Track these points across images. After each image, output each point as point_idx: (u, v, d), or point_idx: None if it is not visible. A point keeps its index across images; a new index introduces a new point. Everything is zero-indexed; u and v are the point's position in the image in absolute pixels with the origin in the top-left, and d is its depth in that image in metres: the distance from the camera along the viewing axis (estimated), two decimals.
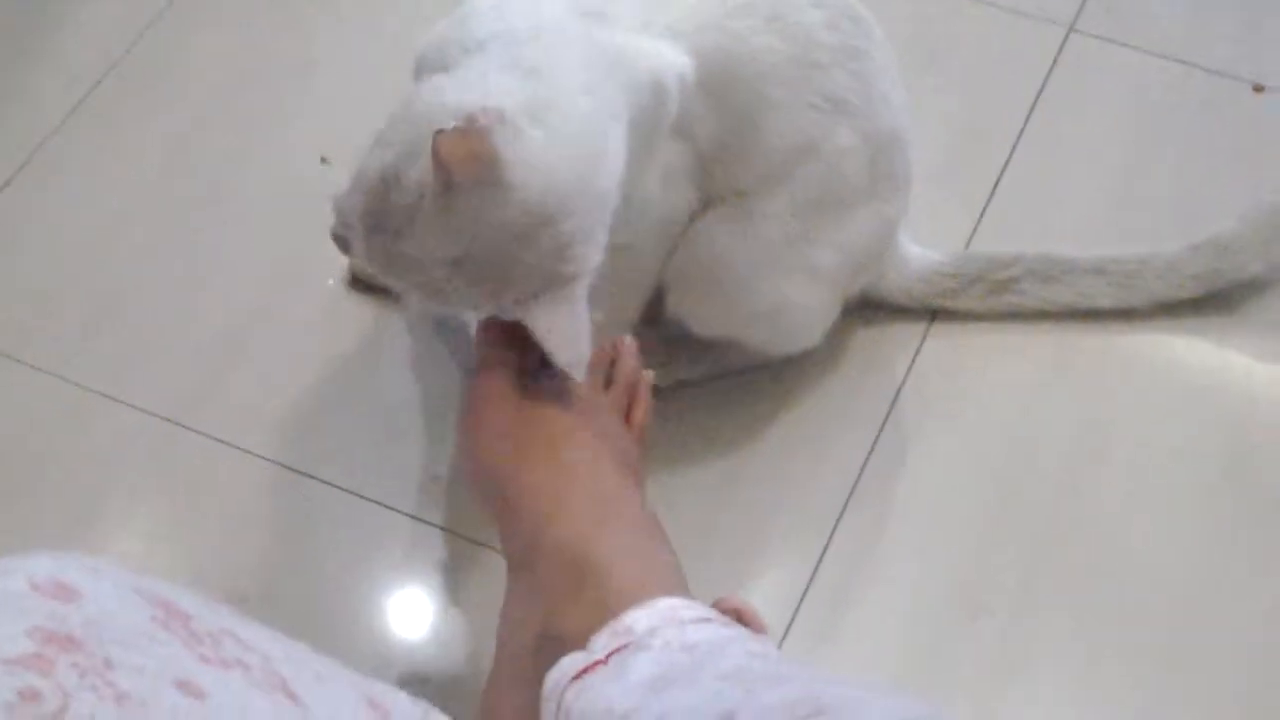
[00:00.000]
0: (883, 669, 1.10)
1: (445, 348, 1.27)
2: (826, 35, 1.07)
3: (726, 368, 1.23)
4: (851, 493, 1.19)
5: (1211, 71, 1.45)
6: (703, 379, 1.22)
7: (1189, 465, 1.21)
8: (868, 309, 1.26)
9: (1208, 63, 1.46)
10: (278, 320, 1.29)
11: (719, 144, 1.07)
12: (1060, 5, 1.50)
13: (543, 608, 0.91)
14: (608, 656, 0.84)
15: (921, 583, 1.15)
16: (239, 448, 1.21)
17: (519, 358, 0.98)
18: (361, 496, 1.19)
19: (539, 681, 0.86)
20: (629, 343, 1.05)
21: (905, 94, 1.14)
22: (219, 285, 1.31)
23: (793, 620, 1.12)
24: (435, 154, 0.86)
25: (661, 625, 0.84)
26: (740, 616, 0.91)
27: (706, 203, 1.11)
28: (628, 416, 1.04)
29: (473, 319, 1.22)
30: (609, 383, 1.04)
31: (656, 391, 1.06)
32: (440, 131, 0.86)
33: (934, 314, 1.28)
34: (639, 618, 0.85)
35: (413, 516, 1.18)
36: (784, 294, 1.15)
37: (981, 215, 1.34)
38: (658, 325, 1.16)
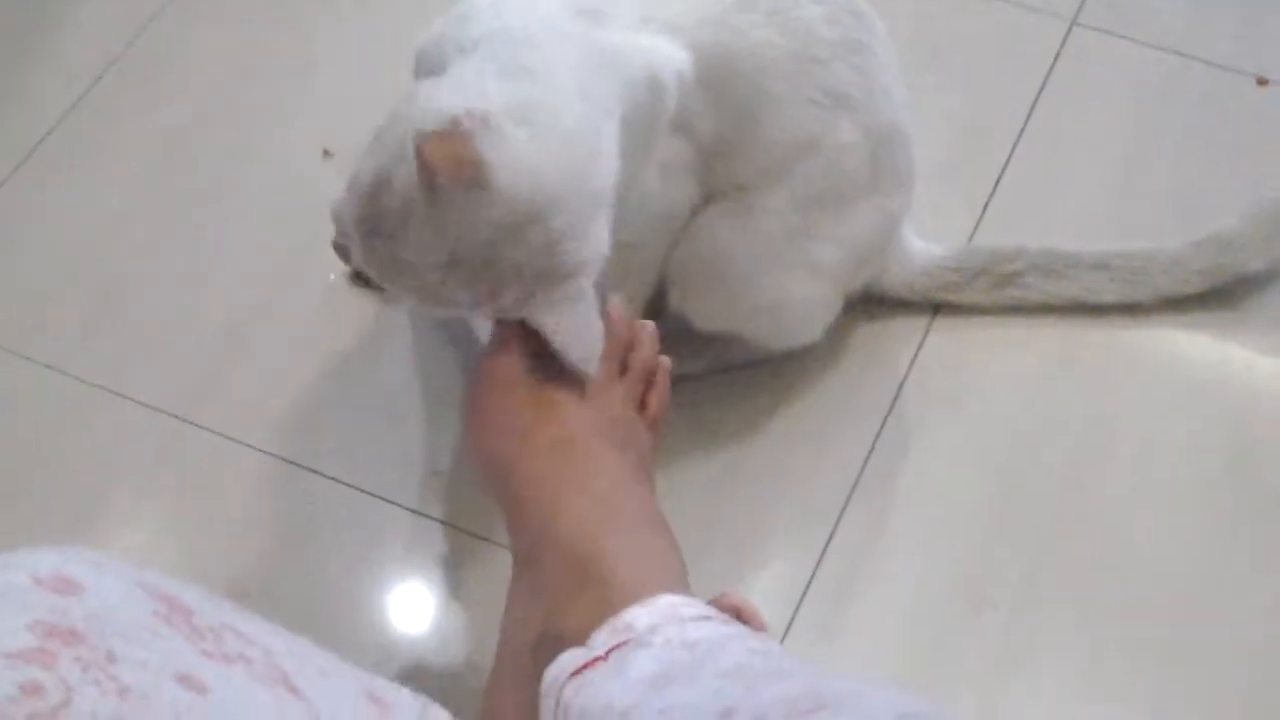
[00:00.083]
0: (885, 663, 1.10)
1: (446, 343, 1.27)
2: (827, 30, 1.07)
3: (729, 362, 1.23)
4: (854, 487, 1.19)
5: (1214, 65, 1.45)
6: (705, 373, 1.22)
7: (1192, 460, 1.21)
8: (870, 303, 1.26)
9: (1210, 57, 1.46)
10: (279, 315, 1.29)
11: (719, 139, 1.07)
12: None
13: (544, 605, 0.91)
14: (608, 653, 0.83)
15: (924, 577, 1.15)
16: (241, 442, 1.21)
17: (528, 344, 0.98)
18: (363, 491, 1.19)
19: (539, 678, 0.86)
20: (649, 329, 1.05)
21: (906, 88, 1.14)
22: (220, 280, 1.31)
23: (795, 614, 1.12)
24: (418, 158, 0.87)
25: (662, 623, 0.84)
26: (739, 614, 0.91)
27: (708, 198, 1.11)
28: (643, 404, 1.03)
29: (478, 324, 1.23)
30: (625, 369, 1.03)
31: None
32: (421, 134, 0.87)
33: (937, 308, 1.28)
34: (639, 615, 0.85)
35: (414, 511, 1.18)
36: (785, 289, 1.15)
37: (984, 210, 1.34)
38: (660, 320, 1.16)
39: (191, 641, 0.57)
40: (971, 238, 1.32)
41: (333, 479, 1.19)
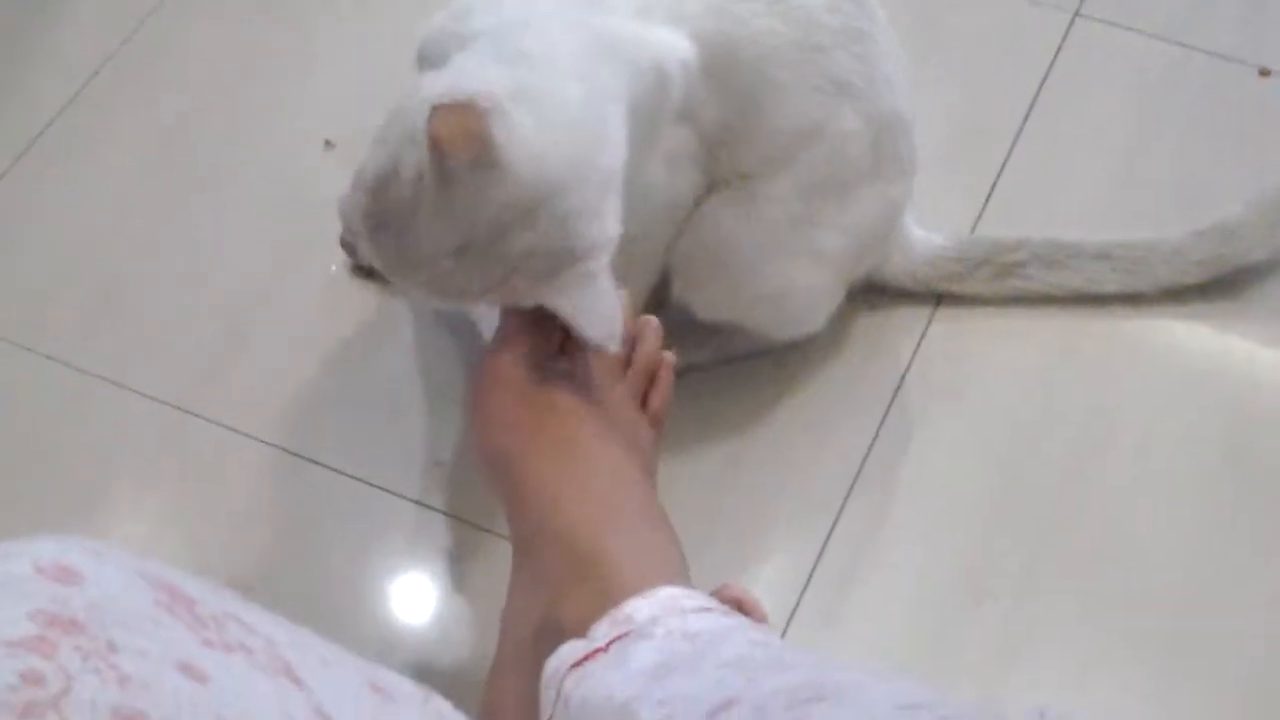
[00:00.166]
0: (887, 653, 1.10)
1: (448, 334, 1.27)
2: (829, 18, 1.07)
3: (731, 353, 1.23)
4: (856, 478, 1.19)
5: (1217, 56, 1.45)
6: (707, 364, 1.22)
7: (1192, 450, 1.21)
8: (872, 293, 1.26)
9: (1213, 47, 1.45)
10: (280, 306, 1.29)
11: (722, 127, 1.07)
12: None
13: (545, 596, 0.91)
14: (608, 644, 0.84)
15: (926, 567, 1.15)
16: (242, 433, 1.21)
17: (533, 341, 0.98)
18: (365, 482, 1.19)
19: (540, 669, 0.86)
20: (653, 323, 1.05)
21: (908, 76, 1.14)
22: (221, 272, 1.31)
23: (797, 604, 1.12)
24: (430, 132, 0.86)
25: (663, 614, 0.84)
26: (740, 605, 0.91)
27: (710, 187, 1.11)
28: (645, 399, 1.03)
29: (480, 317, 1.23)
30: (628, 364, 1.03)
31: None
32: (436, 107, 0.86)
33: (939, 299, 1.28)
34: (640, 606, 0.85)
35: (417, 502, 1.18)
36: (789, 277, 1.14)
37: (987, 200, 1.34)
38: (662, 311, 1.16)
39: (193, 631, 0.57)
40: (974, 228, 1.32)
41: (334, 470, 1.19)
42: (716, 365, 1.22)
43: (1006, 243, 1.26)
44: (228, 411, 1.22)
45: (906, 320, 1.27)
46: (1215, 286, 1.26)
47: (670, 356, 1.05)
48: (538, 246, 0.90)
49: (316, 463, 1.20)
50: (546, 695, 0.85)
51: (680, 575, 0.92)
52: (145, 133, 1.40)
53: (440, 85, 0.93)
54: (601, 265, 0.93)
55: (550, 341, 0.99)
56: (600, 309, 0.93)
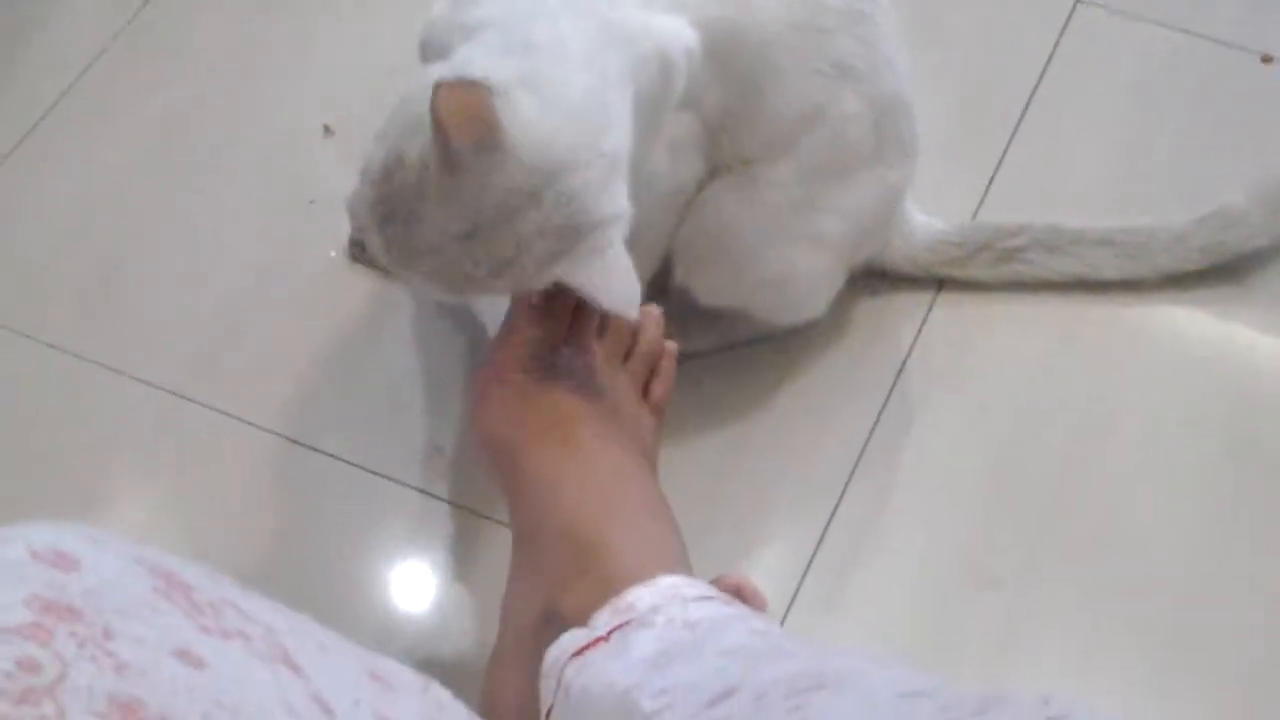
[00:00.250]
0: (888, 639, 1.10)
1: (448, 320, 1.27)
2: (832, 0, 1.07)
3: (732, 339, 1.22)
4: (857, 463, 1.18)
5: (1219, 43, 1.44)
6: (709, 351, 1.22)
7: (1193, 438, 1.20)
8: (873, 279, 1.26)
9: (1215, 34, 1.45)
10: (279, 292, 1.28)
11: (725, 112, 1.07)
12: None
13: (546, 585, 0.91)
14: (609, 633, 0.84)
15: (927, 553, 1.15)
16: (241, 420, 1.21)
17: (538, 333, 0.98)
18: (365, 469, 1.18)
19: (541, 658, 0.86)
20: (654, 313, 1.05)
21: (909, 59, 1.14)
22: (220, 258, 1.31)
23: (798, 590, 1.12)
24: (435, 116, 0.86)
25: (664, 603, 0.84)
26: (740, 593, 0.91)
27: (712, 172, 1.10)
28: (647, 389, 1.03)
29: (482, 309, 1.23)
30: (630, 353, 1.03)
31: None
32: (441, 91, 0.86)
33: (940, 284, 1.27)
34: (641, 595, 0.85)
35: (417, 489, 1.18)
36: (790, 262, 1.14)
37: (988, 186, 1.34)
38: (664, 298, 1.16)
39: (190, 617, 0.57)
40: (975, 214, 1.32)
41: (333, 456, 1.19)
42: (718, 352, 1.22)
43: (1008, 228, 1.25)
44: (226, 398, 1.22)
45: (908, 306, 1.27)
46: (1216, 273, 1.26)
47: (672, 346, 1.05)
48: (546, 226, 0.90)
49: (316, 449, 1.20)
50: (547, 684, 0.85)
51: (681, 564, 0.92)
52: (144, 120, 1.40)
53: (446, 72, 0.93)
54: (614, 236, 0.93)
55: (556, 332, 0.99)
56: (615, 277, 0.93)
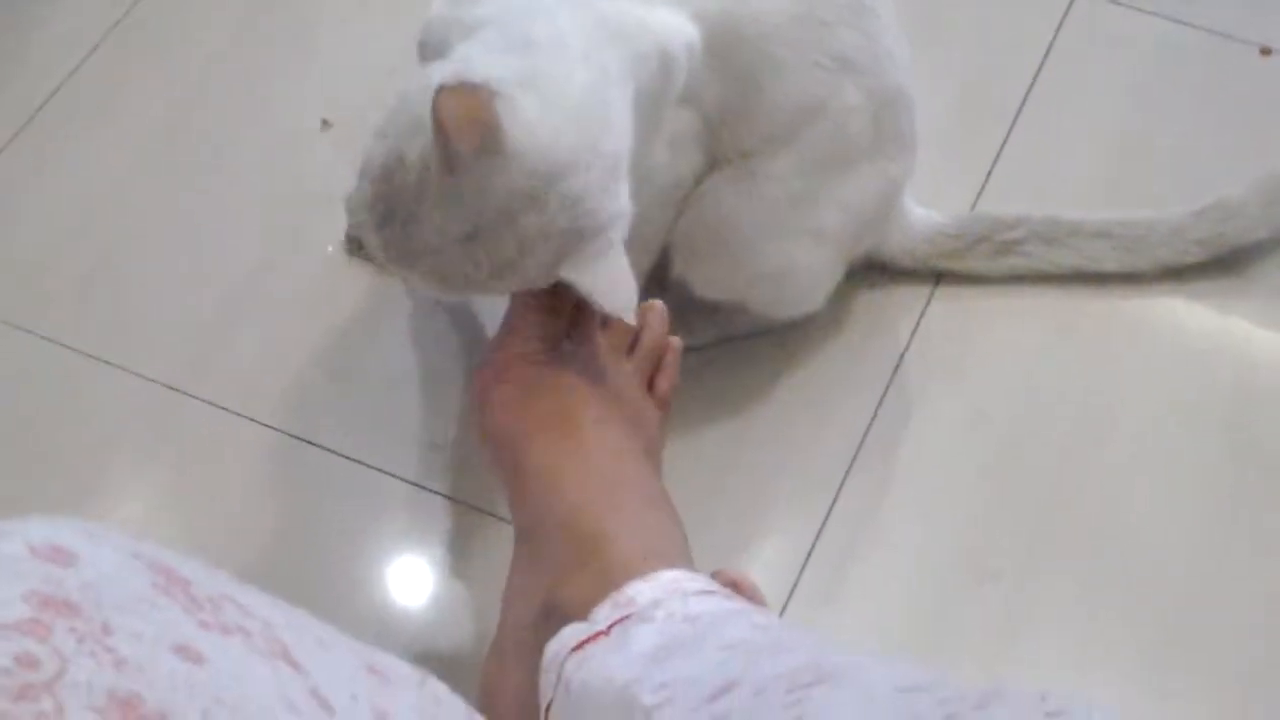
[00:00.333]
0: (886, 632, 1.10)
1: (447, 316, 1.27)
2: None
3: (731, 333, 1.22)
4: (855, 456, 1.18)
5: (1218, 35, 1.44)
6: (707, 344, 1.22)
7: (1191, 430, 1.20)
8: (872, 271, 1.26)
9: (1214, 26, 1.45)
10: (277, 287, 1.28)
11: (725, 106, 1.07)
12: None
13: (546, 579, 0.91)
14: (609, 627, 0.83)
15: (925, 546, 1.15)
16: (240, 415, 1.21)
17: (540, 326, 0.98)
18: (363, 464, 1.18)
19: (540, 652, 0.86)
20: (658, 307, 1.05)
21: (908, 51, 1.14)
22: (219, 252, 1.31)
23: (797, 583, 1.12)
24: (436, 114, 0.86)
25: (664, 597, 0.84)
26: (737, 588, 0.91)
27: (712, 166, 1.10)
28: (651, 383, 1.03)
29: (482, 307, 1.22)
30: (634, 347, 1.03)
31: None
32: (442, 93, 0.86)
33: (938, 277, 1.27)
34: (641, 589, 0.85)
35: (415, 484, 1.18)
36: (789, 255, 1.14)
37: (986, 178, 1.34)
38: (662, 292, 1.16)
39: (189, 612, 0.57)
40: (974, 206, 1.32)
41: (332, 451, 1.19)
42: (716, 345, 1.22)
43: (1006, 220, 1.25)
44: (225, 393, 1.22)
45: (906, 299, 1.27)
46: (1215, 266, 1.26)
47: (677, 341, 1.05)
48: (548, 229, 0.90)
49: (314, 444, 1.19)
50: (547, 678, 0.85)
51: (682, 558, 0.92)
52: (143, 111, 1.40)
53: (447, 73, 0.92)
54: (616, 240, 0.93)
55: (558, 325, 0.99)
56: (615, 281, 0.93)
